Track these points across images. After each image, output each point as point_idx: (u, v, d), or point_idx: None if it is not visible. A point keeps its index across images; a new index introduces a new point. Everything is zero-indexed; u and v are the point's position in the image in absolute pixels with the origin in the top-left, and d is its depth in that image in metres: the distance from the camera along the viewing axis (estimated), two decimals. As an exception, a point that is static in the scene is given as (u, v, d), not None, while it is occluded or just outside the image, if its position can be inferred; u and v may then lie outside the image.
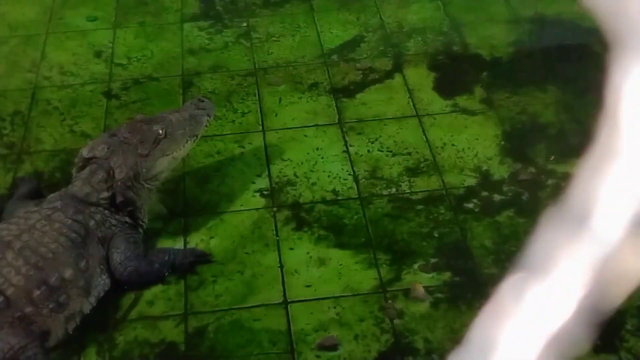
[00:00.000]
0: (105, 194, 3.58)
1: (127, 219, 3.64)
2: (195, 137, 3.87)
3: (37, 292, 3.21)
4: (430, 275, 3.62)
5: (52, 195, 3.63)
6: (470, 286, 3.57)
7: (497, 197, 4.00)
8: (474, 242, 3.77)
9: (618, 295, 0.32)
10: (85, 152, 3.64)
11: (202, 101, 3.96)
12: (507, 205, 3.96)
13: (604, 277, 0.32)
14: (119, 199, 3.59)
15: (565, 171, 4.10)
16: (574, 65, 4.85)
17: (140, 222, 3.70)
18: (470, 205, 3.96)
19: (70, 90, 4.75)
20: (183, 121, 3.81)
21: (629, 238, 0.32)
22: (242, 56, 5.01)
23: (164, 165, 3.74)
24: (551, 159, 4.21)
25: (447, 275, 3.62)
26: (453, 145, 4.31)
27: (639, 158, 0.34)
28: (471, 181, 4.08)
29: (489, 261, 3.67)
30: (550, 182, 4.08)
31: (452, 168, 4.16)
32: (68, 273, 3.30)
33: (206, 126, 3.93)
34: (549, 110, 4.54)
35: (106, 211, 3.58)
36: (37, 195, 3.88)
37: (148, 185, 3.71)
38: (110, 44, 5.12)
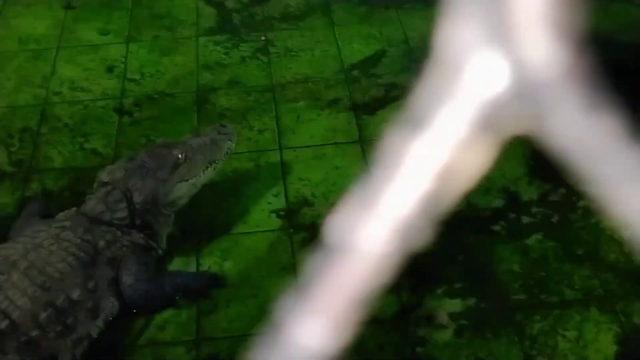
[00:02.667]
0: (119, 214, 3.52)
1: (140, 241, 3.56)
2: (215, 164, 3.81)
3: (43, 315, 3.13)
4: (455, 300, 3.51)
5: (61, 213, 3.57)
6: (497, 313, 3.45)
7: (525, 219, 3.87)
8: (501, 266, 3.64)
9: (456, 191, 0.24)
10: (103, 176, 3.61)
11: (224, 126, 3.91)
12: (536, 228, 3.83)
13: (444, 174, 0.22)
14: (137, 221, 3.55)
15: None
16: (608, 82, 4.72)
17: (156, 247, 3.64)
18: (497, 228, 3.83)
19: (81, 107, 4.65)
20: (203, 146, 3.76)
21: (468, 138, 0.22)
22: (260, 71, 4.91)
23: (183, 191, 3.68)
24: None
25: (472, 301, 3.49)
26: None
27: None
28: (498, 202, 3.95)
29: (517, 286, 3.56)
30: (581, 203, 3.94)
31: (478, 188, 4.01)
32: (76, 294, 3.22)
33: (227, 154, 3.87)
34: (580, 128, 4.40)
35: (118, 232, 3.52)
36: (45, 214, 3.80)
37: (166, 211, 3.66)
38: (123, 59, 5.02)
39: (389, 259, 0.38)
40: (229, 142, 3.86)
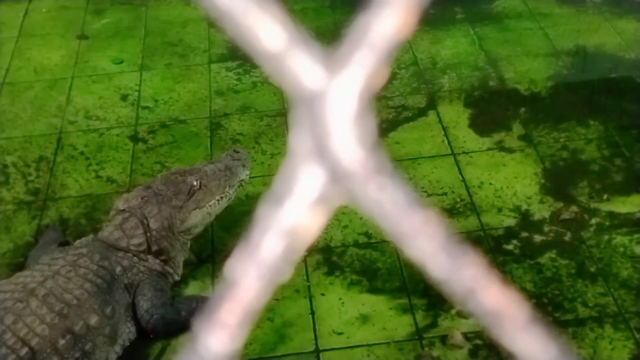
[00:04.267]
0: (136, 241, 3.56)
1: (156, 267, 3.59)
2: (229, 195, 3.81)
3: (62, 342, 3.15)
4: (469, 320, 3.48)
5: (79, 241, 3.61)
6: (512, 332, 3.42)
7: (537, 237, 3.86)
8: (514, 285, 3.63)
9: (303, 244, 0.58)
10: (120, 204, 3.65)
11: (238, 152, 3.94)
12: (548, 246, 3.82)
13: (296, 233, 0.58)
14: (154, 247, 3.58)
15: (609, 210, 3.97)
16: (617, 99, 4.73)
17: (172, 272, 3.66)
18: (510, 247, 3.83)
19: (96, 135, 4.70)
20: (218, 172, 3.79)
21: (309, 210, 0.57)
22: (271, 96, 4.93)
23: (198, 219, 3.72)
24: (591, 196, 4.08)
25: (486, 321, 3.47)
26: (491, 184, 4.18)
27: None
28: (510, 221, 3.95)
29: (530, 305, 3.52)
30: (593, 221, 3.93)
31: (490, 208, 4.03)
32: (93, 320, 3.25)
33: (241, 185, 3.88)
34: (591, 146, 4.40)
35: (134, 258, 3.55)
36: (62, 242, 3.86)
37: (181, 238, 3.69)
38: (137, 87, 5.07)
39: (261, 290, 0.58)
40: (244, 171, 3.87)
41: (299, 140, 0.56)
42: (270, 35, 0.54)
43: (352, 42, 0.55)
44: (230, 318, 0.57)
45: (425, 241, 0.56)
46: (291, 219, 0.56)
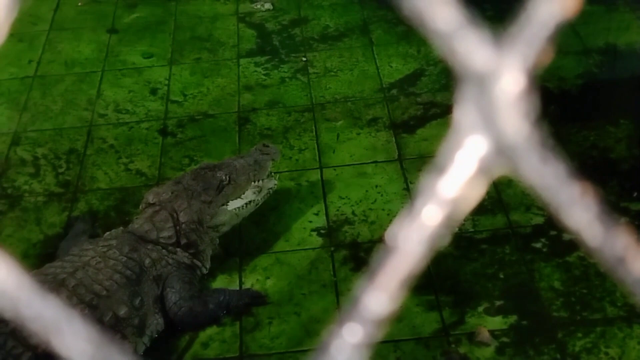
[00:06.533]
0: (165, 233, 3.59)
1: (184, 259, 3.62)
2: (258, 200, 3.84)
3: (91, 333, 3.16)
4: (496, 318, 3.50)
5: (108, 233, 3.65)
6: (538, 330, 3.43)
7: (566, 236, 3.85)
8: (542, 283, 3.63)
9: (463, 212, 0.62)
10: (150, 198, 3.69)
11: (267, 146, 3.96)
12: (577, 244, 3.79)
13: (456, 202, 0.62)
14: (183, 240, 3.61)
15: (639, 209, 3.94)
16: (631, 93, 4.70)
17: (200, 265, 3.69)
18: (538, 245, 3.82)
19: (126, 128, 4.74)
20: (247, 167, 3.81)
21: (470, 179, 0.62)
22: (299, 92, 4.95)
23: (227, 217, 3.75)
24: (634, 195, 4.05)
25: (513, 319, 3.48)
26: (519, 181, 4.15)
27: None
28: (539, 219, 3.93)
29: (558, 304, 3.53)
30: (623, 220, 3.90)
31: (518, 206, 4.01)
32: (122, 311, 3.29)
33: (269, 193, 3.91)
34: (621, 145, 4.37)
35: (163, 250, 3.58)
36: (91, 234, 3.90)
37: (210, 234, 3.72)
38: (166, 81, 5.10)
39: (422, 255, 0.62)
40: (272, 181, 3.90)
41: (464, 114, 0.59)
42: (443, 15, 0.58)
43: (521, 21, 0.59)
44: (390, 281, 0.62)
45: (581, 211, 0.60)
46: (452, 188, 0.60)
